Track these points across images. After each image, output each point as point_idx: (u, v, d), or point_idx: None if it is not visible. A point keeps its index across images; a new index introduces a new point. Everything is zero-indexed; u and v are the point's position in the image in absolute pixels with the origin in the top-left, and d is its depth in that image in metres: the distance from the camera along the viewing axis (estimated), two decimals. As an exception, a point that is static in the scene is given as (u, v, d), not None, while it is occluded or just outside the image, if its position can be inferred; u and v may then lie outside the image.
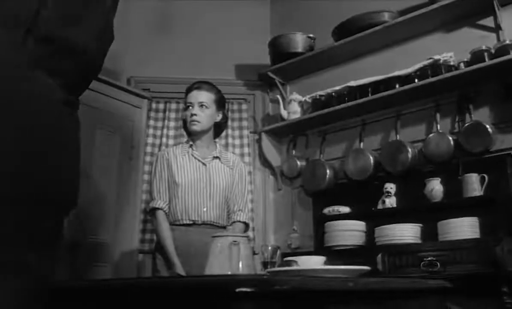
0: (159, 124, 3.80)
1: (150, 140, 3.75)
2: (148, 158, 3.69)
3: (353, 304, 1.10)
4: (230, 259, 1.60)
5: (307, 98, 3.53)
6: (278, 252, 1.94)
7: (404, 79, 3.04)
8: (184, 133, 2.75)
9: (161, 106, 3.85)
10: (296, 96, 3.60)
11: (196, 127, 2.51)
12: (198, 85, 2.56)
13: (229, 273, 1.58)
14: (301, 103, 3.58)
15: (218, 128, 2.65)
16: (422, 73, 2.97)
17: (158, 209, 2.44)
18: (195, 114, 2.50)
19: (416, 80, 2.99)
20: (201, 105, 2.51)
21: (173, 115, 3.81)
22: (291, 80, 3.86)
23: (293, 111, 3.58)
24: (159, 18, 4.04)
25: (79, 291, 1.17)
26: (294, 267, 1.68)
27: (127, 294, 1.06)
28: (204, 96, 2.52)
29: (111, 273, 3.28)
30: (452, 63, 2.90)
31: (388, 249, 2.69)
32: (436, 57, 2.92)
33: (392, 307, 1.28)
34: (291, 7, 4.05)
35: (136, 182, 3.61)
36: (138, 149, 3.68)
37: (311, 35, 3.63)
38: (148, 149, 3.72)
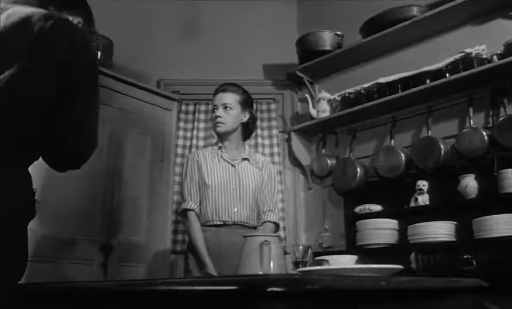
0: (189, 126, 3.84)
1: (180, 142, 3.79)
2: (178, 160, 3.73)
3: (386, 303, 1.08)
4: (261, 258, 1.60)
5: (336, 96, 3.50)
6: (310, 251, 1.93)
7: (435, 74, 2.98)
8: (214, 134, 2.77)
9: (191, 108, 3.88)
10: (325, 94, 3.58)
11: (220, 129, 2.54)
12: (224, 87, 2.59)
13: (261, 272, 1.59)
14: (330, 102, 3.55)
15: (247, 129, 2.65)
16: (453, 67, 2.91)
17: (189, 210, 2.47)
18: (219, 116, 2.53)
19: (447, 75, 2.92)
20: (225, 107, 2.53)
21: (202, 116, 3.84)
22: (319, 79, 3.84)
23: (322, 109, 3.56)
24: (187, 21, 4.08)
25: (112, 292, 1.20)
26: (325, 266, 1.67)
27: (160, 294, 1.08)
28: (228, 97, 2.55)
29: (144, 274, 3.33)
30: (484, 56, 2.83)
31: (422, 248, 2.65)
32: (468, 50, 2.85)
33: (426, 306, 1.26)
34: (318, 5, 4.03)
35: (167, 183, 3.66)
36: (168, 151, 3.73)
37: (338, 32, 3.61)
38: (179, 151, 3.76)
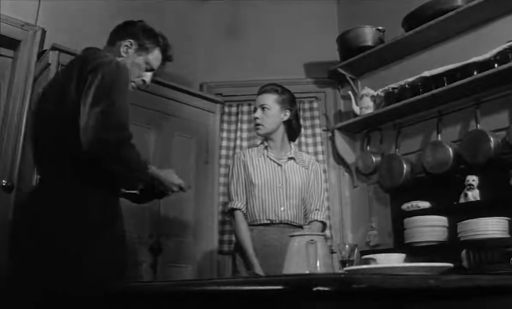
0: (232, 127, 3.88)
1: (224, 143, 3.83)
2: (223, 161, 3.77)
3: (435, 302, 1.06)
4: (307, 258, 1.60)
5: (379, 92, 3.45)
6: (356, 250, 1.91)
7: (482, 65, 2.88)
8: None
9: (234, 109, 3.92)
10: (368, 90, 3.53)
11: (259, 131, 2.57)
12: (263, 88, 2.61)
13: (307, 272, 1.59)
14: (373, 98, 3.50)
15: (290, 128, 2.63)
16: (502, 57, 2.81)
17: (236, 209, 2.50)
18: (257, 118, 2.56)
19: (495, 65, 2.83)
20: (263, 108, 2.55)
21: (245, 117, 3.87)
22: (362, 75, 3.80)
23: (365, 106, 3.52)
24: (227, 23, 4.12)
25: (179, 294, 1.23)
26: (372, 265, 1.66)
27: (208, 294, 1.10)
28: (265, 98, 2.57)
29: (193, 274, 3.39)
30: (535, 44, 2.73)
31: (473, 245, 2.58)
32: (517, 39, 2.75)
33: (478, 305, 1.23)
34: (358, 1, 3.98)
35: (212, 185, 3.71)
36: (213, 153, 3.77)
37: (380, 27, 3.55)
38: (223, 152, 3.81)
